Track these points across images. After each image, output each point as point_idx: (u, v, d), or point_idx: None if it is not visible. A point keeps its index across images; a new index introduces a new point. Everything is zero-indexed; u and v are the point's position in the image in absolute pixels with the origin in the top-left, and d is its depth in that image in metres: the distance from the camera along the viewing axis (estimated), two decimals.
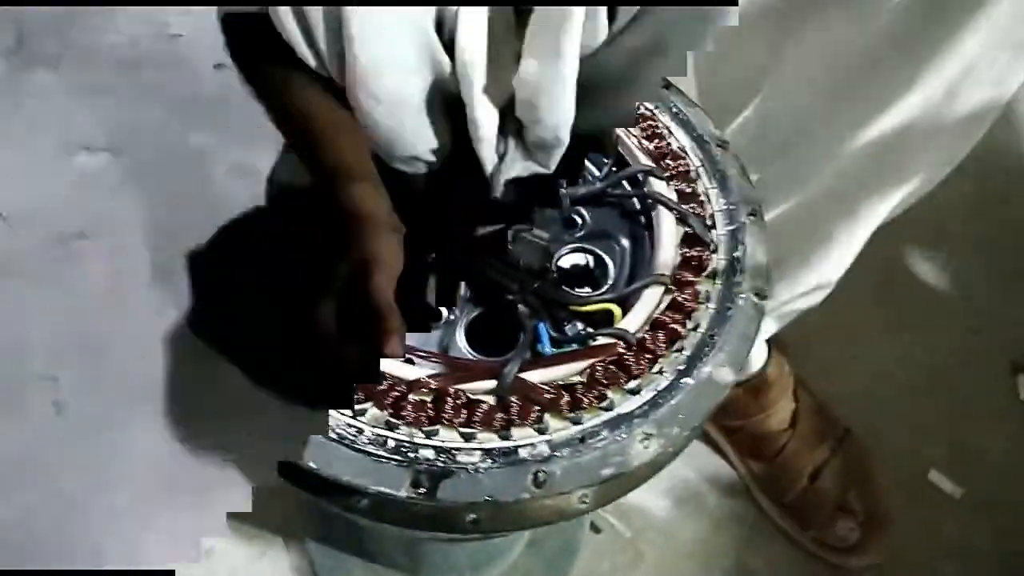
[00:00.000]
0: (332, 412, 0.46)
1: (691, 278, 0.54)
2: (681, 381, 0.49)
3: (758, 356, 0.92)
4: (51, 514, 0.80)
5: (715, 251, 0.55)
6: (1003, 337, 1.07)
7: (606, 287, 0.56)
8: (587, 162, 0.61)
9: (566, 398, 0.47)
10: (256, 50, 0.46)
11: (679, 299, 0.52)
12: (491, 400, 0.47)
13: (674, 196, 0.58)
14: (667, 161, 0.60)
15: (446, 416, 0.46)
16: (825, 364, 1.01)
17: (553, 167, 0.50)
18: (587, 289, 0.56)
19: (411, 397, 0.47)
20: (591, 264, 0.57)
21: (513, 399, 0.47)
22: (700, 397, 0.49)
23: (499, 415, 0.47)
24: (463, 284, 0.54)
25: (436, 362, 0.49)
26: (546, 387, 0.48)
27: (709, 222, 0.57)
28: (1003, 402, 1.03)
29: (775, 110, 0.76)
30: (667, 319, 0.51)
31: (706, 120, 0.63)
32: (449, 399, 0.47)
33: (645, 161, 0.60)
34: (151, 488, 0.80)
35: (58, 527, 0.80)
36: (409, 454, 0.45)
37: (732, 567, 0.91)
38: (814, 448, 0.92)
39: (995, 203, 1.19)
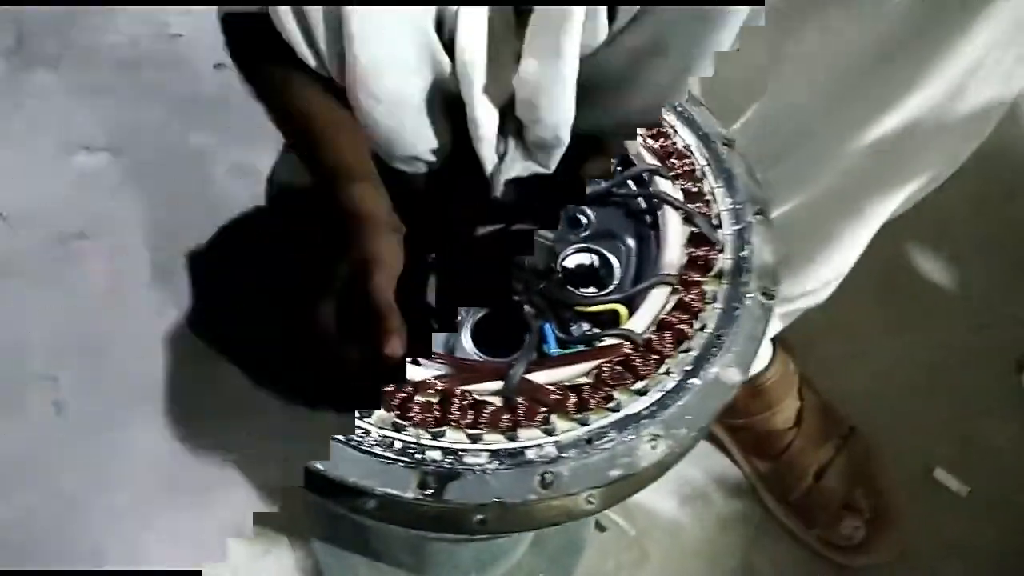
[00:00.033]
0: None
1: (698, 278, 0.53)
2: (688, 382, 0.48)
3: (763, 355, 0.92)
4: (51, 514, 0.80)
5: (721, 251, 0.55)
6: (1008, 335, 1.07)
7: (612, 287, 0.55)
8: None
9: (573, 399, 0.47)
10: (256, 50, 0.46)
11: (686, 299, 0.52)
12: (497, 401, 0.47)
13: (680, 195, 0.57)
14: (672, 160, 0.59)
15: (453, 417, 0.46)
16: (830, 362, 1.00)
17: (553, 167, 0.50)
18: (593, 289, 0.55)
19: (417, 398, 0.47)
20: (596, 264, 0.57)
21: (520, 400, 0.47)
22: (708, 398, 0.48)
23: (506, 416, 0.46)
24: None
25: (442, 363, 0.49)
26: (552, 388, 0.47)
27: (715, 221, 0.56)
28: (1008, 400, 1.02)
29: (778, 110, 0.76)
30: (674, 319, 0.51)
31: (711, 118, 0.62)
32: (456, 400, 0.47)
33: (650, 160, 0.59)
34: (151, 488, 0.80)
35: (58, 527, 0.80)
36: (416, 455, 0.45)
37: (737, 566, 0.90)
38: (819, 446, 0.91)
39: (999, 201, 1.19)
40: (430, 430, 0.46)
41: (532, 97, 0.44)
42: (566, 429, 0.46)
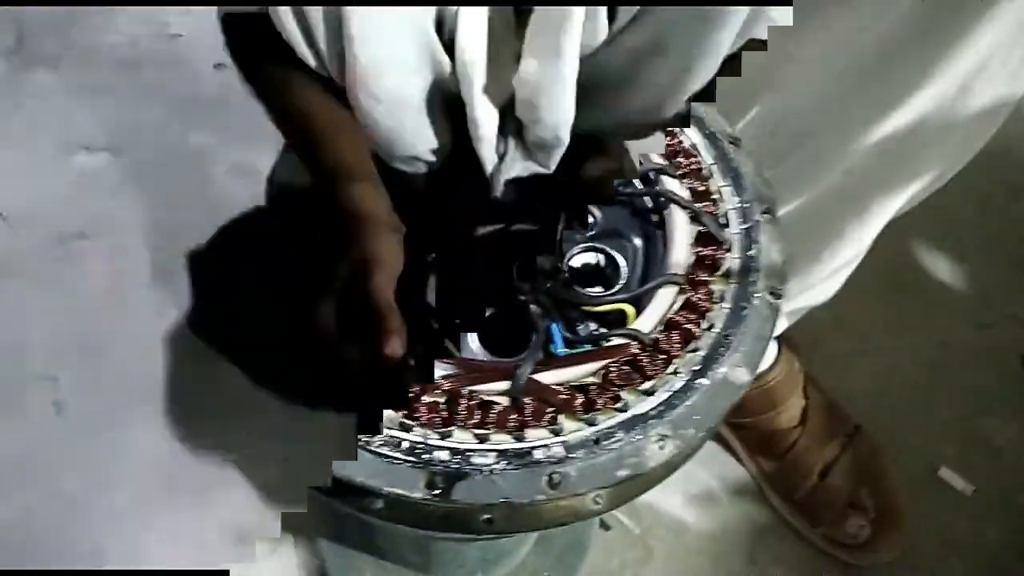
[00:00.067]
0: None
1: (705, 277, 0.53)
2: (696, 382, 0.48)
3: (767, 354, 0.92)
4: (51, 514, 0.80)
5: (729, 250, 0.55)
6: (1013, 333, 1.07)
7: (619, 287, 0.55)
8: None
9: (580, 399, 0.47)
10: (256, 50, 0.46)
11: (693, 299, 0.52)
12: (505, 401, 0.47)
13: (687, 194, 0.57)
14: (679, 159, 0.59)
15: (460, 417, 0.46)
16: (834, 361, 1.00)
17: (553, 167, 0.50)
18: (599, 289, 0.55)
19: (424, 398, 0.47)
20: (603, 263, 0.57)
21: (527, 400, 0.47)
22: (715, 398, 0.48)
23: (513, 416, 0.46)
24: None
25: (449, 363, 0.49)
26: (560, 388, 0.48)
27: (723, 220, 0.56)
28: (1014, 398, 1.02)
29: (780, 109, 0.76)
30: (681, 319, 0.51)
31: (718, 117, 0.62)
32: (463, 400, 0.47)
33: (657, 159, 0.59)
34: (151, 488, 0.80)
35: (58, 527, 0.80)
36: (423, 455, 0.45)
37: (742, 564, 0.91)
38: (824, 445, 0.91)
39: (1004, 200, 1.19)
40: (437, 430, 0.46)
41: (532, 97, 0.44)
42: (573, 429, 0.46)
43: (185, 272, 0.55)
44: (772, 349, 0.91)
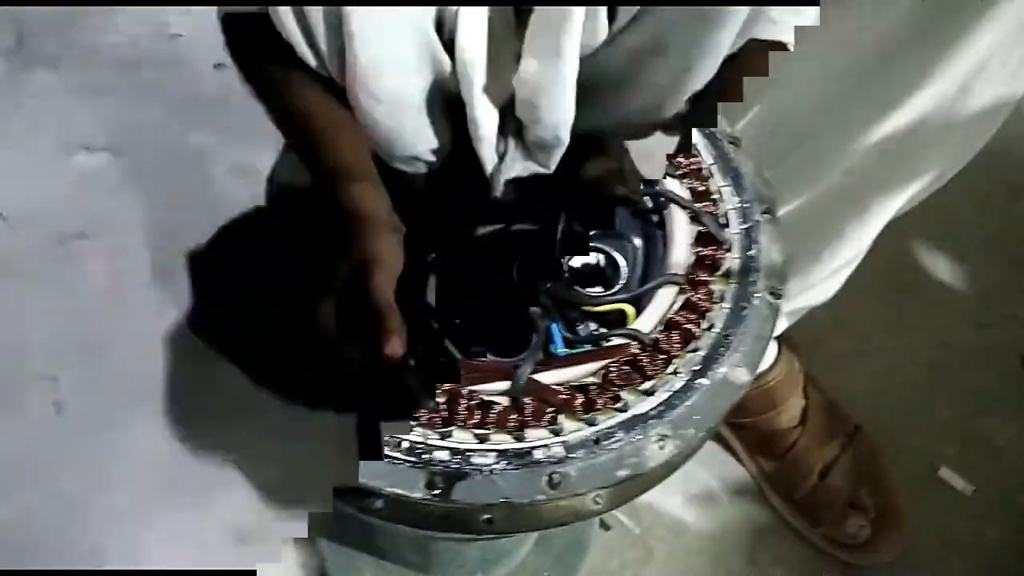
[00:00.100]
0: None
1: (705, 277, 0.53)
2: (696, 382, 0.48)
3: (767, 354, 0.92)
4: (51, 514, 0.80)
5: (729, 250, 0.55)
6: (1013, 333, 1.07)
7: (619, 287, 0.55)
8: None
9: (580, 399, 0.47)
10: (256, 50, 0.46)
11: (693, 299, 0.52)
12: (505, 401, 0.47)
13: (687, 194, 0.57)
14: (679, 159, 0.59)
15: (460, 417, 0.46)
16: (834, 361, 1.01)
17: (553, 167, 0.50)
18: (599, 289, 0.55)
19: None
20: (603, 263, 0.57)
21: (527, 400, 0.47)
22: (716, 398, 0.48)
23: (513, 416, 0.46)
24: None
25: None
26: (560, 388, 0.48)
27: (723, 220, 0.56)
28: (1013, 398, 1.03)
29: (783, 108, 0.76)
30: (681, 319, 0.51)
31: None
32: (463, 400, 0.47)
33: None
34: (151, 488, 0.80)
35: (58, 527, 0.80)
36: (423, 455, 0.45)
37: (742, 564, 0.91)
38: (824, 445, 0.91)
39: (1004, 200, 1.19)
40: (437, 430, 0.46)
41: (532, 97, 0.44)
42: (573, 429, 0.46)
43: (185, 272, 0.55)
44: (772, 349, 0.92)
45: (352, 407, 0.46)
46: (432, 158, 0.49)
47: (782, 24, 0.47)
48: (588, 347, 0.50)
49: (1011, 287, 1.11)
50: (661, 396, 0.48)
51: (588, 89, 0.44)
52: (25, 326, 0.89)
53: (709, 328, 0.51)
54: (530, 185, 0.51)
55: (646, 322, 0.51)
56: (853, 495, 0.90)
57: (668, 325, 0.51)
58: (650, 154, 0.58)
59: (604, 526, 0.90)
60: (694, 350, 0.50)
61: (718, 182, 0.58)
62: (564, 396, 0.47)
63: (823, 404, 0.94)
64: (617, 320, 0.52)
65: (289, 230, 0.52)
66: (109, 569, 0.78)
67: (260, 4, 0.43)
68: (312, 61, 0.44)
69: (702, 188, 0.58)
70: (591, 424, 0.46)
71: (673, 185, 0.58)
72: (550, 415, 0.46)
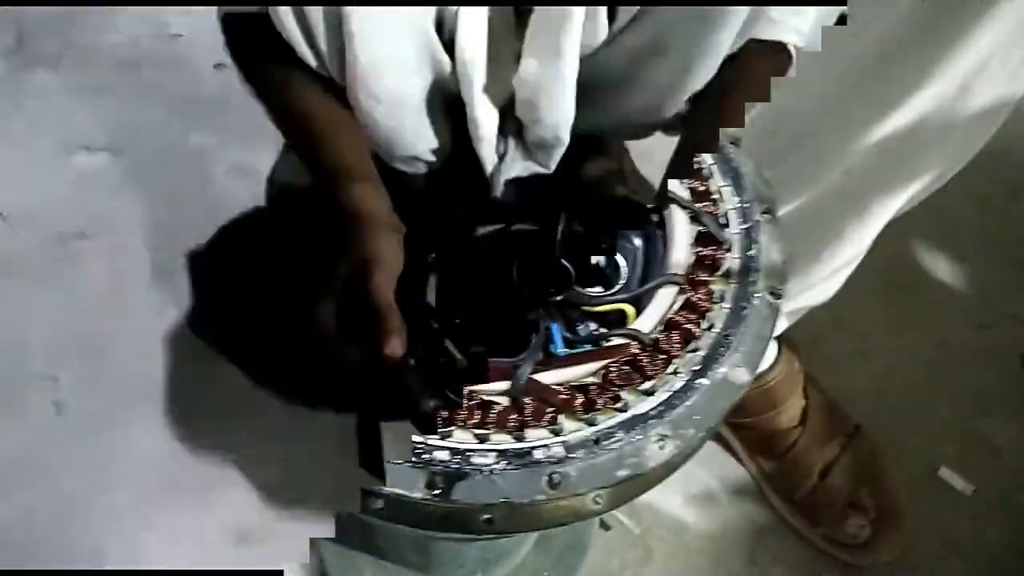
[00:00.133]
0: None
1: (705, 277, 0.53)
2: (696, 382, 0.48)
3: (767, 354, 0.92)
4: (51, 514, 0.80)
5: (729, 250, 0.55)
6: (1013, 333, 1.07)
7: (619, 287, 0.55)
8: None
9: (580, 399, 0.47)
10: (256, 50, 0.46)
11: (693, 299, 0.52)
12: (505, 401, 0.47)
13: (687, 194, 0.57)
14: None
15: (460, 417, 0.46)
16: (834, 361, 1.01)
17: (553, 167, 0.50)
18: (599, 289, 0.55)
19: None
20: (603, 264, 0.57)
21: (527, 400, 0.47)
22: (716, 398, 0.48)
23: (513, 416, 0.46)
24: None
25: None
26: (560, 388, 0.48)
27: (723, 220, 0.56)
28: (1014, 398, 1.03)
29: (783, 108, 0.76)
30: (681, 319, 0.51)
31: None
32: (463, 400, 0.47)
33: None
34: (151, 488, 0.80)
35: (58, 527, 0.79)
36: (423, 455, 0.45)
37: (742, 564, 0.91)
38: (824, 445, 0.92)
39: (1004, 200, 1.19)
40: (437, 430, 0.46)
41: (532, 97, 0.44)
42: (573, 429, 0.46)
43: (185, 272, 0.55)
44: (772, 349, 0.92)
45: (352, 407, 0.46)
46: (432, 158, 0.49)
47: (782, 24, 0.47)
48: (588, 347, 0.50)
49: (1011, 287, 1.11)
50: (661, 396, 0.48)
51: (588, 89, 0.44)
52: (25, 326, 0.89)
53: (709, 328, 0.51)
54: (530, 185, 0.51)
55: (646, 322, 0.51)
56: (853, 495, 0.90)
57: (668, 325, 0.51)
58: (650, 154, 0.58)
59: (604, 526, 0.90)
60: (694, 350, 0.50)
61: (718, 182, 0.58)
62: (564, 396, 0.47)
63: (823, 404, 0.94)
64: (617, 320, 0.52)
65: (289, 230, 0.52)
66: (109, 569, 0.78)
67: (260, 4, 0.43)
68: (312, 61, 0.44)
69: (702, 188, 0.58)
70: (591, 424, 0.46)
71: (673, 185, 0.58)
72: (550, 415, 0.46)
